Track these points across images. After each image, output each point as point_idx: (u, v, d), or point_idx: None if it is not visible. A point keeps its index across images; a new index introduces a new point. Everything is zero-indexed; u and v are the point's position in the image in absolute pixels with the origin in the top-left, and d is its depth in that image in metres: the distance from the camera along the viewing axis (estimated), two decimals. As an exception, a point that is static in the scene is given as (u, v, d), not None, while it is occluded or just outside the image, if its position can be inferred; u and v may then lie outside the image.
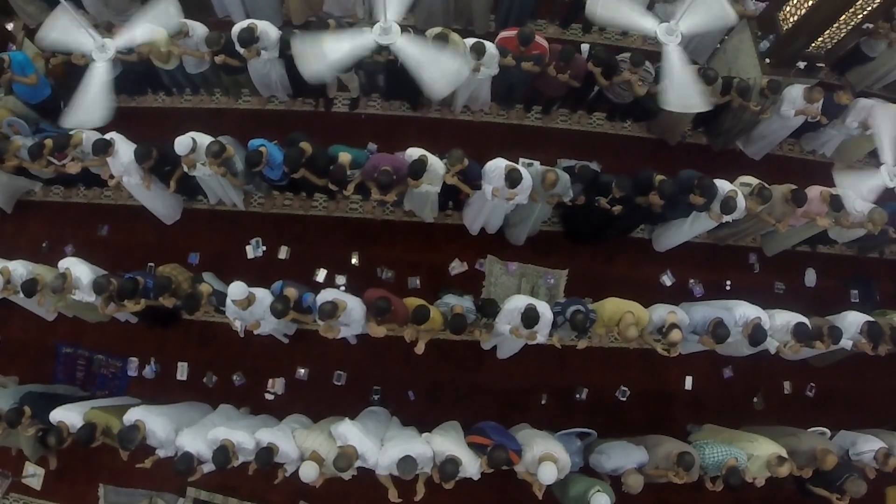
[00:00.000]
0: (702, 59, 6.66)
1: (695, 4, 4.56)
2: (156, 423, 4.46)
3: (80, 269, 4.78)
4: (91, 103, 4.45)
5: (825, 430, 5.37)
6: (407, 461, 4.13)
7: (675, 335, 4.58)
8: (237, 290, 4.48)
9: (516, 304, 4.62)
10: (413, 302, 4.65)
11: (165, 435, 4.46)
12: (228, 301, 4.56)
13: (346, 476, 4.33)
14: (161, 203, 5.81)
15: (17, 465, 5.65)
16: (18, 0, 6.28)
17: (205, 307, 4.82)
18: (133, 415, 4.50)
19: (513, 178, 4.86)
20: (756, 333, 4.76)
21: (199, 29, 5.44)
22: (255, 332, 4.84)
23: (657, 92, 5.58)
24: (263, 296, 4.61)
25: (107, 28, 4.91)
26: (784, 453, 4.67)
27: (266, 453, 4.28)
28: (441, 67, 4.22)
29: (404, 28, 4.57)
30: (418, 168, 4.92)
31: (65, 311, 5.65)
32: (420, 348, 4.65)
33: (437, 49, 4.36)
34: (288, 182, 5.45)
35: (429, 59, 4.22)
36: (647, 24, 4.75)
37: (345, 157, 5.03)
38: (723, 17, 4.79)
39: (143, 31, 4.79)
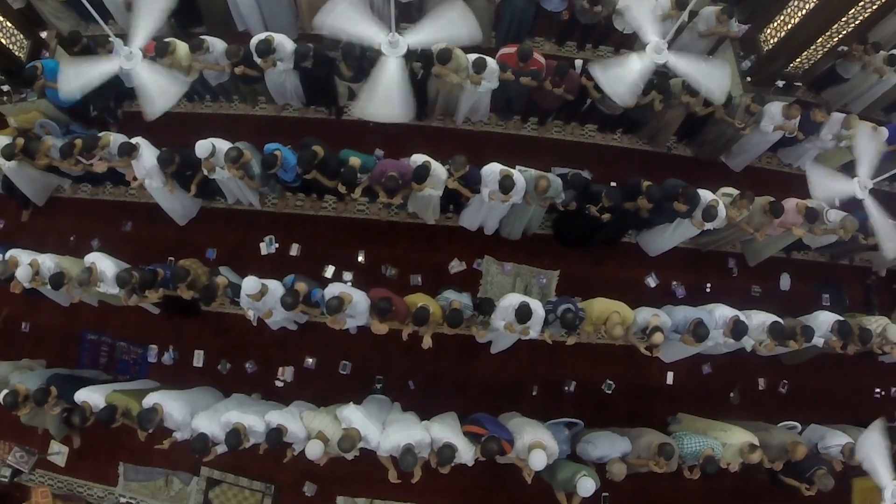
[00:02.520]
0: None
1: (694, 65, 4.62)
2: (173, 406, 4.48)
3: (104, 264, 4.80)
4: (159, 92, 4.53)
5: (796, 424, 5.39)
6: (408, 454, 4.14)
7: (658, 337, 4.60)
8: (251, 284, 4.50)
9: (511, 301, 4.63)
10: (415, 300, 4.66)
11: (181, 418, 4.47)
12: (243, 293, 4.57)
13: (349, 457, 4.34)
14: (180, 204, 5.81)
15: (42, 444, 5.67)
16: (50, 16, 6.28)
17: (221, 299, 4.83)
18: (152, 399, 4.51)
19: (505, 186, 4.91)
20: (737, 328, 4.77)
21: (218, 45, 5.45)
22: (268, 321, 4.84)
23: (644, 103, 5.61)
24: (275, 287, 4.63)
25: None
26: (756, 441, 4.70)
27: (276, 434, 4.30)
28: (391, 99, 4.16)
29: (411, 52, 4.56)
30: (422, 173, 4.93)
31: (89, 301, 5.66)
32: (427, 342, 4.66)
33: (404, 88, 4.25)
34: (300, 184, 5.46)
35: (391, 88, 4.15)
36: (643, 63, 4.67)
37: (355, 160, 5.04)
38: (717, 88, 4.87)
39: (147, 23, 4.64)
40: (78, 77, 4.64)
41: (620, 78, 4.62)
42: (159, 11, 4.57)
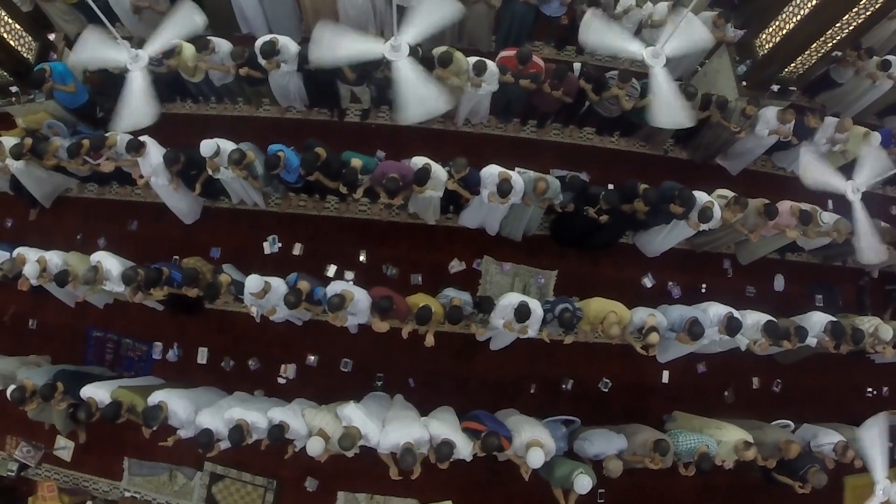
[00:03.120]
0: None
1: (677, 30, 4.57)
2: (177, 404, 4.48)
3: (110, 262, 4.80)
4: (136, 108, 4.49)
5: (789, 422, 5.39)
6: (408, 454, 4.14)
7: (653, 337, 4.60)
8: (253, 282, 4.50)
9: (510, 300, 4.63)
10: (417, 301, 4.66)
11: (186, 416, 4.48)
12: (246, 291, 4.57)
13: (350, 454, 4.34)
14: (185, 203, 5.81)
15: (49, 439, 5.67)
16: (57, 19, 6.28)
17: (225, 296, 4.83)
18: (157, 397, 4.52)
19: (503, 190, 4.91)
20: (731, 324, 4.77)
21: (223, 45, 5.45)
22: (271, 318, 4.85)
23: (642, 106, 5.62)
24: (278, 285, 4.63)
25: (139, 44, 4.89)
26: (750, 438, 4.69)
27: (278, 430, 4.30)
28: (423, 97, 4.21)
29: (414, 49, 4.57)
30: (423, 176, 4.94)
31: (95, 302, 5.66)
32: (429, 341, 4.65)
33: (428, 82, 4.33)
34: (303, 184, 5.45)
35: (415, 87, 4.20)
36: (633, 48, 4.76)
37: (356, 162, 5.04)
38: (702, 41, 4.80)
39: (169, 36, 4.75)
40: (91, 50, 4.62)
41: (607, 36, 4.68)
42: (189, 28, 4.61)
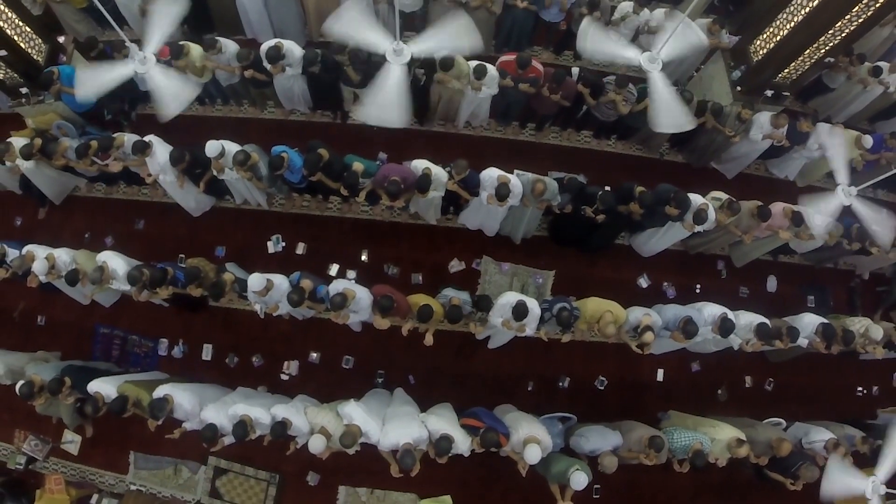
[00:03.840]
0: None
1: (673, 35, 4.57)
2: (183, 397, 4.49)
3: (115, 262, 4.79)
4: (174, 92, 4.53)
5: (781, 420, 5.38)
6: (407, 455, 4.14)
7: (648, 336, 4.60)
8: (256, 280, 4.49)
9: (508, 299, 4.63)
10: (418, 300, 4.65)
11: (191, 408, 4.48)
12: (249, 289, 4.57)
13: (351, 451, 4.33)
14: (193, 199, 5.80)
15: (56, 433, 5.67)
16: (68, 19, 6.28)
17: (229, 294, 4.82)
18: (163, 390, 4.53)
19: (501, 194, 4.90)
20: (724, 325, 4.77)
21: (230, 46, 5.44)
22: (274, 315, 4.84)
23: (639, 110, 5.62)
24: (280, 282, 4.63)
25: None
26: (742, 436, 4.69)
27: (280, 426, 4.30)
28: (388, 104, 4.15)
29: (414, 60, 4.55)
30: (425, 183, 4.93)
31: (102, 301, 5.66)
32: (429, 340, 4.64)
33: (404, 95, 4.23)
34: (306, 185, 5.45)
35: (390, 93, 4.16)
36: (630, 54, 4.74)
37: (358, 166, 5.03)
38: (697, 45, 4.78)
39: (160, 26, 4.59)
40: (94, 82, 4.65)
41: (604, 43, 4.66)
42: (172, 17, 4.56)
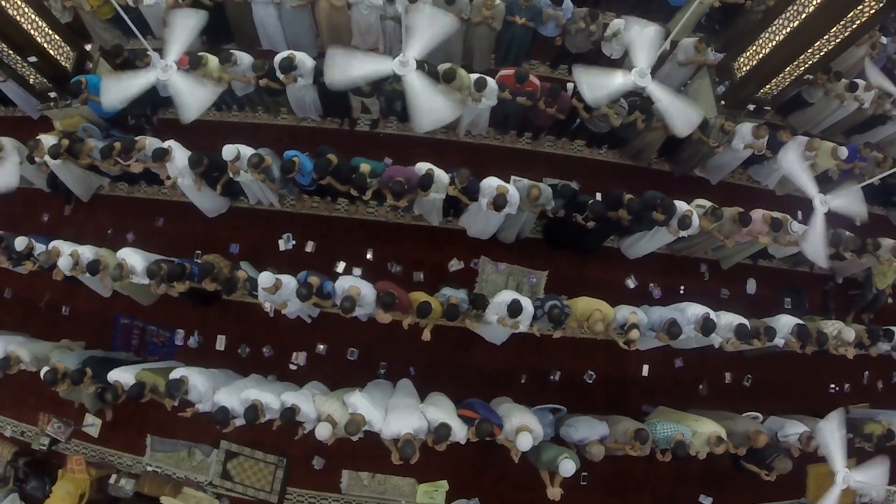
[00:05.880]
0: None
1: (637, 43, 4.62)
2: (197, 379, 4.51)
3: (134, 258, 4.79)
4: (195, 97, 4.54)
5: (758, 414, 5.38)
6: (408, 445, 4.14)
7: (634, 333, 4.60)
8: (265, 279, 4.49)
9: (503, 298, 4.62)
10: (418, 297, 4.65)
11: (204, 389, 4.50)
12: (259, 287, 4.56)
13: (355, 438, 4.33)
14: (209, 201, 5.80)
15: (78, 416, 5.68)
16: (95, 28, 6.28)
17: (241, 290, 4.82)
18: (178, 372, 4.56)
19: (498, 204, 4.90)
20: (706, 324, 4.77)
21: (245, 59, 5.44)
22: (283, 312, 4.84)
23: (628, 122, 5.61)
24: (289, 281, 4.62)
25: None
26: (723, 434, 4.68)
27: (290, 412, 4.30)
28: (432, 108, 4.20)
29: (420, 64, 4.56)
30: (427, 182, 4.93)
31: (121, 291, 5.66)
32: (426, 336, 4.64)
33: (437, 93, 4.31)
34: (316, 187, 5.45)
35: (425, 98, 4.19)
36: (623, 80, 4.65)
37: (365, 167, 5.03)
38: (660, 36, 4.86)
39: (180, 36, 4.62)
40: (119, 90, 4.64)
41: (600, 85, 4.61)
42: (191, 28, 4.56)
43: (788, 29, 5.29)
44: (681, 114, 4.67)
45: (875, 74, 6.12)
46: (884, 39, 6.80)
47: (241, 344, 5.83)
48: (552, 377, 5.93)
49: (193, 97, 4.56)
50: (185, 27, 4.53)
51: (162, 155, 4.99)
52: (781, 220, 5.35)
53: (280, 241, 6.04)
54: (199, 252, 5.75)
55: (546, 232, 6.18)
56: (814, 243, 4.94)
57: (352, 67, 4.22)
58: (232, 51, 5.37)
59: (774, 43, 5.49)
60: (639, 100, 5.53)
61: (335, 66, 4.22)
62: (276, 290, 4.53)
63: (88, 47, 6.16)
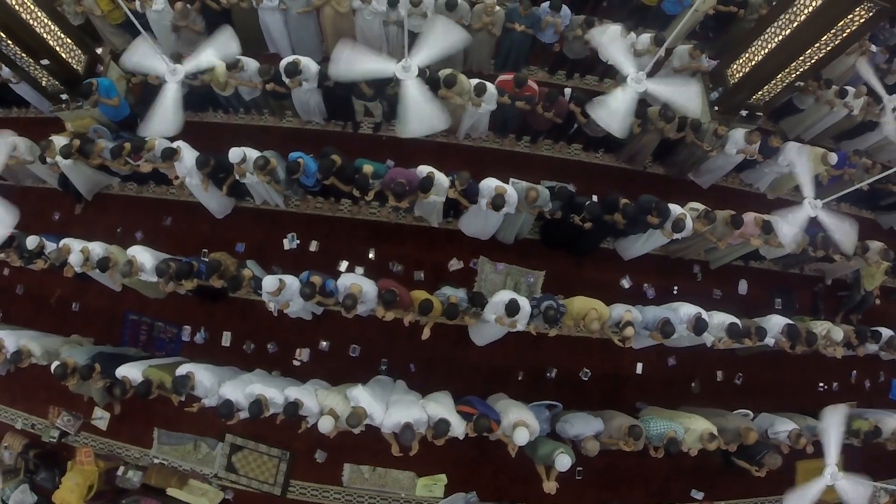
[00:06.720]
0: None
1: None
2: (203, 374, 4.52)
3: (143, 256, 4.80)
4: (165, 117, 4.46)
5: (748, 412, 5.39)
6: (407, 430, 4.15)
7: (629, 331, 4.61)
8: (269, 283, 4.51)
9: (501, 297, 4.63)
10: (419, 295, 4.66)
11: (210, 384, 4.51)
12: (263, 290, 4.57)
13: (356, 431, 4.35)
14: (216, 201, 5.81)
15: (87, 410, 5.69)
16: (106, 32, 6.29)
17: (246, 288, 4.83)
18: (184, 368, 4.57)
19: (496, 205, 4.91)
20: (698, 324, 4.78)
21: (251, 64, 5.44)
22: (285, 312, 4.85)
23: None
24: (292, 282, 4.63)
25: (175, 59, 4.88)
26: (715, 431, 4.69)
27: (293, 407, 4.31)
28: (423, 114, 4.18)
29: (422, 71, 4.56)
30: (427, 184, 4.94)
31: (130, 285, 5.67)
32: (426, 334, 4.65)
33: (431, 102, 4.28)
34: (320, 188, 5.46)
35: (418, 105, 4.18)
36: (630, 94, 4.68)
37: (368, 168, 5.04)
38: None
39: (207, 57, 4.73)
40: (139, 56, 4.62)
41: (614, 114, 4.62)
42: (225, 53, 4.64)
43: (780, 37, 5.31)
44: (685, 96, 4.64)
45: (866, 72, 6.10)
46: (873, 48, 6.80)
47: (246, 340, 5.84)
48: (549, 374, 5.94)
49: (165, 112, 4.48)
50: (220, 49, 4.65)
51: (171, 154, 5.00)
52: (772, 223, 5.36)
53: (285, 241, 6.05)
54: (205, 251, 5.75)
55: (543, 233, 6.19)
56: (841, 234, 4.94)
57: (357, 63, 4.22)
58: (238, 57, 5.38)
59: (767, 51, 5.51)
60: (635, 105, 5.53)
61: (342, 60, 4.22)
62: (280, 292, 4.55)
63: (99, 50, 6.17)
